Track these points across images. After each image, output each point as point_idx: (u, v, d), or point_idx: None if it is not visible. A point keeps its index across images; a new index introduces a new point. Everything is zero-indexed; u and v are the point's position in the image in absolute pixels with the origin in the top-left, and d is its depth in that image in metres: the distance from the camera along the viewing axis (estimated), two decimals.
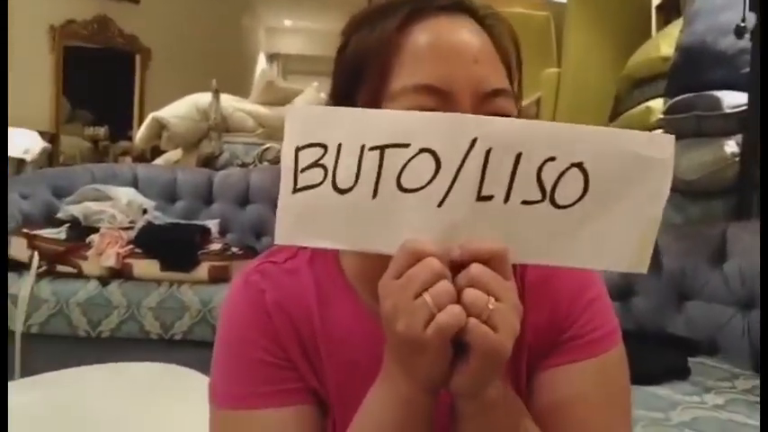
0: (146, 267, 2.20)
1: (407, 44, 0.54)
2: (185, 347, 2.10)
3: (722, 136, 1.93)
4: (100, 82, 5.63)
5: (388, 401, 0.50)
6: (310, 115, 0.49)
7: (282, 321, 0.60)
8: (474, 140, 0.47)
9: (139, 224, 2.35)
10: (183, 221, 2.56)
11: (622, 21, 2.84)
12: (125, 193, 2.54)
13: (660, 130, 2.26)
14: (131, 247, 2.24)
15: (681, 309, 1.72)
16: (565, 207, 0.48)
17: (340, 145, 0.48)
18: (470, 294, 0.44)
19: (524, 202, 0.48)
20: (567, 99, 2.67)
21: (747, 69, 1.88)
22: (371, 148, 0.47)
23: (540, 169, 0.47)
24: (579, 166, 0.47)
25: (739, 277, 1.63)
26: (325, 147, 0.48)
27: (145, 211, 2.50)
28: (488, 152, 0.47)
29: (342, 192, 0.48)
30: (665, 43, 2.38)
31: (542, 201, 0.48)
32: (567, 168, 0.47)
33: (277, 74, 9.11)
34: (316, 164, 0.48)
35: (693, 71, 2.13)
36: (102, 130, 5.31)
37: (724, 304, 1.65)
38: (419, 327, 0.44)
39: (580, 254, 0.49)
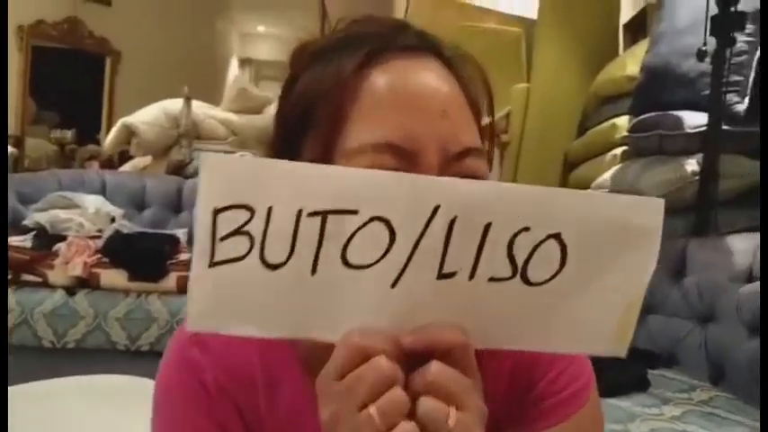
0: (113, 277, 2.19)
1: (366, 90, 0.46)
2: (152, 359, 2.06)
3: (683, 155, 2.00)
4: (68, 83, 5.56)
5: None
6: (234, 169, 0.38)
7: (224, 403, 0.54)
8: (437, 208, 0.39)
9: (107, 233, 2.33)
10: (151, 231, 2.54)
11: (591, 39, 2.90)
12: (93, 202, 2.52)
13: (624, 147, 2.33)
14: (99, 256, 2.23)
15: (642, 323, 1.78)
16: (538, 284, 0.41)
17: (270, 208, 0.38)
18: (427, 406, 0.37)
19: (492, 279, 0.41)
20: (536, 114, 2.73)
21: (708, 91, 1.95)
22: (311, 214, 0.39)
23: (511, 241, 0.40)
24: (557, 237, 0.41)
25: (697, 292, 1.70)
26: (251, 210, 0.38)
27: (113, 220, 2.48)
28: (453, 221, 0.39)
29: (272, 267, 0.39)
30: (630, 63, 2.45)
31: (513, 277, 0.41)
32: (543, 240, 0.41)
33: (249, 79, 9.06)
34: (239, 231, 0.38)
35: (657, 91, 2.20)
36: (68, 134, 5.22)
37: (683, 318, 1.71)
38: None
39: (553, 338, 0.43)
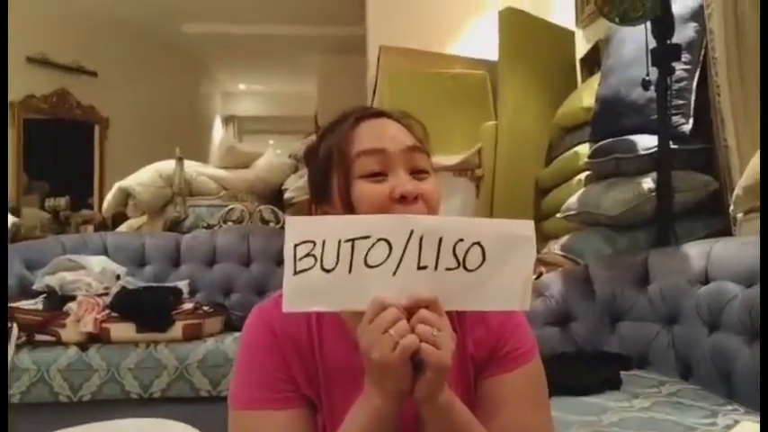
0: (122, 331, 2.31)
1: (358, 133, 0.82)
2: (165, 404, 2.20)
3: (639, 174, 2.19)
4: (59, 153, 5.73)
5: (366, 411, 0.71)
6: (302, 223, 0.72)
7: (288, 344, 0.81)
8: (412, 231, 0.71)
9: (114, 290, 2.46)
10: (154, 284, 2.67)
11: (550, 75, 3.13)
12: (97, 262, 2.65)
13: (587, 172, 2.53)
14: (108, 312, 2.35)
15: (614, 329, 1.93)
16: (472, 270, 0.72)
17: (324, 241, 0.70)
18: (421, 328, 0.67)
19: (447, 269, 0.72)
20: (505, 148, 2.92)
21: (655, 116, 2.16)
22: (346, 241, 0.70)
23: (454, 247, 0.71)
24: (478, 243, 0.72)
25: (661, 297, 1.86)
26: (313, 242, 0.70)
27: (118, 277, 2.61)
28: (422, 238, 0.71)
29: (327, 271, 0.70)
30: (586, 95, 2.67)
31: (458, 267, 0.72)
32: (471, 245, 0.72)
33: (233, 135, 9.33)
34: (308, 254, 0.70)
35: (611, 119, 2.41)
36: (63, 201, 5.36)
37: (650, 321, 1.86)
38: (388, 352, 0.65)
39: (485, 300, 0.74)
